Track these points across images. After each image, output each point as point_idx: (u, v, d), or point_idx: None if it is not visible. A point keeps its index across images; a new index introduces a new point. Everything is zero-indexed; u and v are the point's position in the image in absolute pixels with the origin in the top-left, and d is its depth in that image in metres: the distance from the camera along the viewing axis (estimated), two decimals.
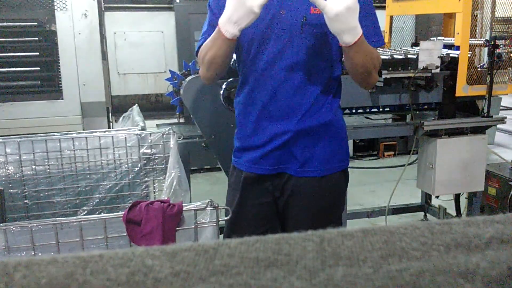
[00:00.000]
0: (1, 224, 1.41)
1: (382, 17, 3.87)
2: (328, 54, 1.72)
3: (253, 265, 0.38)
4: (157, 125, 3.07)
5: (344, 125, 1.91)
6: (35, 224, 1.37)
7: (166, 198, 1.62)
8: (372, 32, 1.75)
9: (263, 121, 1.74)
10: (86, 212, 2.24)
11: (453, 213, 3.56)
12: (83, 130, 3.94)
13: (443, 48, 3.11)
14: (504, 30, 3.13)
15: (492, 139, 6.15)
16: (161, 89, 5.05)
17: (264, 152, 1.75)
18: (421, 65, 2.89)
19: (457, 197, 3.48)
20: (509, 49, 3.07)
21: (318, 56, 1.69)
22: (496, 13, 3.07)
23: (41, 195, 2.23)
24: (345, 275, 0.37)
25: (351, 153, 5.71)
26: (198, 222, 1.46)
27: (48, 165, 2.23)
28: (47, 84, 4.43)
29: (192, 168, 4.28)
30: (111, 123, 4.86)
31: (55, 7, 4.27)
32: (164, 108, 5.14)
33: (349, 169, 2.96)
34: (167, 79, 3.04)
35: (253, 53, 1.69)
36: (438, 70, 2.91)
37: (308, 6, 1.62)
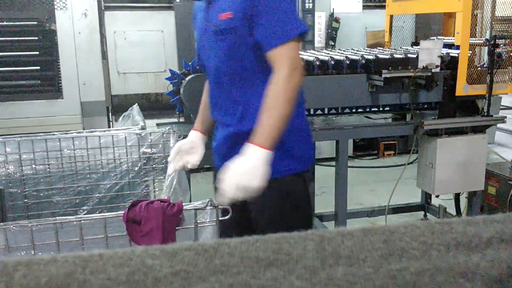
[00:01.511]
0: (1, 224, 1.41)
1: (382, 16, 3.87)
2: (247, 58, 1.71)
3: (253, 264, 0.38)
4: (157, 125, 3.07)
5: (296, 128, 1.78)
6: (35, 224, 1.37)
7: (166, 198, 1.62)
8: (272, 31, 1.63)
9: (216, 122, 1.93)
10: (86, 211, 2.24)
11: (453, 212, 3.56)
12: (83, 129, 3.94)
13: (443, 47, 3.11)
14: (504, 29, 3.13)
15: (492, 139, 6.15)
16: (161, 88, 5.05)
17: (215, 150, 1.93)
18: (421, 65, 2.89)
19: (457, 197, 3.48)
20: (509, 49, 3.07)
21: (238, 61, 1.72)
22: (496, 12, 3.07)
23: (41, 194, 2.23)
24: (345, 274, 0.37)
25: (350, 152, 5.72)
26: (198, 221, 1.46)
27: (48, 165, 2.23)
28: (47, 84, 4.43)
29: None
30: (111, 123, 4.86)
31: (55, 6, 4.26)
32: (164, 107, 5.14)
33: (348, 168, 2.95)
34: (167, 79, 3.04)
35: (203, 62, 1.90)
36: (438, 70, 2.91)
37: (217, 14, 1.70)
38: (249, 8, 1.62)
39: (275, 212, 1.78)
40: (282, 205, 1.79)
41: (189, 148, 1.96)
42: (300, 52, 3.21)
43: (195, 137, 1.99)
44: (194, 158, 1.94)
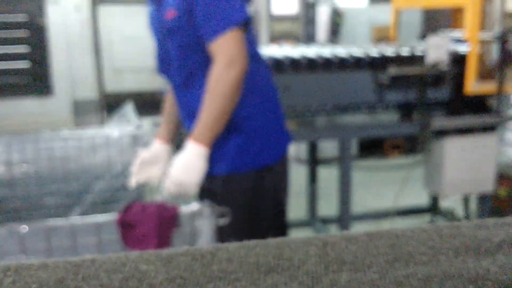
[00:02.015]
0: None
1: (388, 11, 3.88)
2: (196, 55, 1.71)
3: (253, 270, 0.38)
4: (154, 123, 3.06)
5: (252, 123, 1.75)
6: (25, 227, 1.37)
7: (161, 200, 1.62)
8: (208, 23, 1.61)
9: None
10: (78, 214, 2.24)
11: (462, 215, 3.56)
12: (76, 128, 3.94)
13: (452, 42, 3.11)
14: None
15: (502, 138, 6.15)
16: (157, 85, 5.05)
17: None
18: (429, 61, 2.89)
19: (466, 199, 3.48)
20: None
21: (187, 58, 1.73)
22: (506, 6, 3.07)
23: (32, 196, 2.23)
24: (350, 280, 0.37)
25: (355, 152, 5.72)
26: (195, 225, 1.46)
27: (39, 165, 2.23)
28: (38, 81, 4.43)
29: None
30: (104, 122, 4.86)
31: (46, 0, 4.27)
32: (160, 105, 5.14)
33: (353, 169, 2.94)
34: None
35: (163, 68, 1.89)
36: (446, 67, 2.91)
37: (163, 13, 1.71)
38: (189, 2, 1.62)
39: (237, 212, 1.67)
40: (244, 204, 1.73)
41: (152, 160, 1.89)
42: (300, 48, 3.20)
43: (158, 147, 1.92)
44: (156, 172, 1.87)
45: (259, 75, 1.77)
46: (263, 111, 1.79)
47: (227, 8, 1.60)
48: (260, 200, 1.78)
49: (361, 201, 4.36)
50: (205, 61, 1.69)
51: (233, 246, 0.41)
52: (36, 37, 4.33)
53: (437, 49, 2.89)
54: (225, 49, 1.58)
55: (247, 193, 1.76)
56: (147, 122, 3.06)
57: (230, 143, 1.74)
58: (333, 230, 3.57)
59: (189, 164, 1.58)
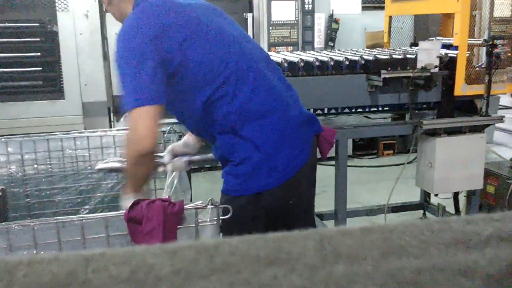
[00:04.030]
0: (3, 223, 1.41)
1: (381, 17, 3.87)
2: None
3: (254, 263, 0.38)
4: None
5: (226, 153, 1.72)
6: (37, 223, 1.37)
7: (167, 197, 1.62)
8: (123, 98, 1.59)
9: None
10: (87, 210, 2.24)
11: (452, 211, 3.56)
12: (85, 129, 3.93)
13: (442, 48, 3.11)
14: (502, 30, 3.13)
15: (490, 138, 6.15)
16: None
17: None
18: (419, 65, 2.89)
19: (456, 195, 3.48)
20: (507, 49, 3.07)
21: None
22: (494, 13, 3.07)
23: (43, 194, 2.23)
24: (345, 272, 0.37)
25: (350, 152, 5.71)
26: (199, 220, 1.46)
27: (50, 164, 2.23)
28: (49, 84, 4.43)
29: (192, 166, 4.28)
30: (112, 123, 4.85)
31: (57, 8, 4.26)
32: None
33: (348, 168, 2.94)
34: None
35: None
36: (436, 70, 2.91)
37: None
38: None
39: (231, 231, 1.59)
40: (229, 226, 1.55)
41: (182, 149, 1.97)
42: (298, 53, 3.18)
43: (188, 139, 1.99)
44: (181, 162, 1.95)
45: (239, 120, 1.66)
46: (226, 148, 1.71)
47: (126, 92, 1.56)
48: (249, 224, 1.68)
49: (356, 198, 4.35)
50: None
51: (235, 240, 0.42)
52: (48, 43, 4.33)
53: (427, 54, 2.88)
54: (130, 127, 1.56)
55: (237, 214, 1.60)
56: None
57: (226, 166, 1.74)
58: (330, 225, 3.57)
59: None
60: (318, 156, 1.95)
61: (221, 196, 1.76)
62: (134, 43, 1.55)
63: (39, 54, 4.30)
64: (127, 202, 1.56)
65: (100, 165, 1.80)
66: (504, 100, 6.57)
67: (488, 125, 3.15)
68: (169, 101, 1.61)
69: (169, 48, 1.57)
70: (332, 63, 2.90)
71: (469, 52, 3.00)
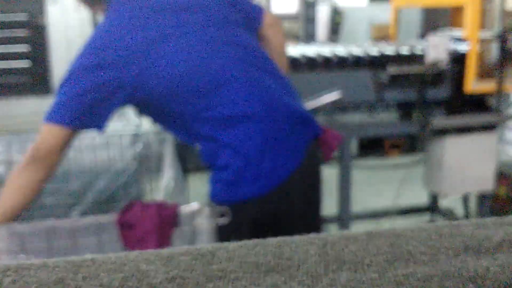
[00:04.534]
0: None
1: (387, 9, 3.87)
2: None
3: (253, 269, 0.38)
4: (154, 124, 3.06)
5: (208, 159, 1.68)
6: (25, 227, 1.37)
7: (161, 199, 1.62)
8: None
9: None
10: (78, 214, 2.24)
11: (461, 214, 3.56)
12: None
13: (452, 40, 3.11)
14: None
15: (502, 137, 6.15)
16: None
17: None
18: (428, 61, 2.89)
19: (465, 198, 3.48)
20: None
21: None
22: (506, 5, 3.07)
23: None
24: (349, 280, 0.37)
25: (355, 151, 5.72)
26: (195, 224, 1.46)
27: None
28: (38, 80, 4.43)
29: (188, 168, 4.28)
30: None
31: None
32: None
33: (352, 168, 2.94)
34: None
35: None
36: (446, 66, 2.91)
37: None
38: None
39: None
40: (219, 231, 1.57)
41: None
42: (299, 46, 3.19)
43: None
44: None
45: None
46: (236, 151, 1.64)
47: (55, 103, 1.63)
48: (232, 234, 1.64)
49: (361, 200, 4.35)
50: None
51: (233, 245, 0.41)
52: (36, 37, 4.32)
53: (436, 48, 2.89)
54: (37, 139, 1.59)
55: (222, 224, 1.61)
56: (146, 122, 3.05)
57: (211, 172, 1.70)
58: (333, 229, 3.57)
59: None
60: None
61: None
62: None
63: (27, 47, 4.30)
64: None
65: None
66: None
67: (499, 124, 3.15)
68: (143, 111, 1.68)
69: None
70: (335, 59, 2.90)
71: (479, 47, 3.00)
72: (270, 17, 1.93)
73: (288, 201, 1.72)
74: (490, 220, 0.48)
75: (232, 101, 1.64)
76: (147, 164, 2.28)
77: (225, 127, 1.63)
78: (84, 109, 1.58)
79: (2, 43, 4.23)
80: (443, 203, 3.83)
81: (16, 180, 1.60)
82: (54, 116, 1.59)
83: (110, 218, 1.44)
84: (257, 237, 1.48)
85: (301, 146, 1.73)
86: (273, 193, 1.65)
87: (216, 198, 1.68)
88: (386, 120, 3.21)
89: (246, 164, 1.62)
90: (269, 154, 1.63)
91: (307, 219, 1.88)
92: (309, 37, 5.53)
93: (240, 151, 1.63)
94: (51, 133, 1.58)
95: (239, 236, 1.60)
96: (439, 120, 3.01)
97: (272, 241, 0.42)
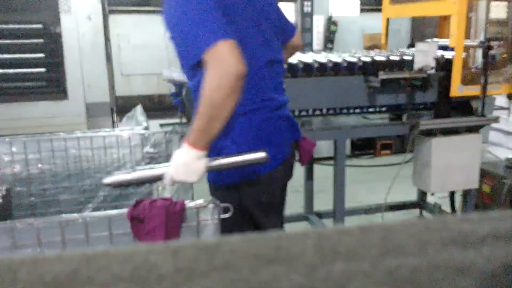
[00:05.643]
0: (8, 222, 1.41)
1: (379, 19, 3.87)
2: (184, 63, 1.72)
3: (254, 261, 0.38)
4: (161, 125, 3.07)
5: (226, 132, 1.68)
6: (41, 222, 1.37)
7: (169, 196, 1.62)
8: (183, 51, 1.64)
9: None
10: (91, 209, 2.24)
11: (448, 210, 3.56)
12: (88, 130, 3.93)
13: (439, 49, 3.11)
14: (498, 31, 3.13)
15: (486, 138, 6.15)
16: (164, 89, 5.05)
17: None
18: (416, 66, 2.89)
19: (452, 195, 3.48)
20: (503, 50, 3.07)
21: (181, 64, 1.76)
22: (490, 15, 3.07)
23: (47, 193, 2.23)
24: (344, 270, 0.37)
25: (348, 151, 5.71)
26: (200, 219, 1.46)
27: (54, 164, 2.23)
28: (53, 85, 4.43)
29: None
30: (115, 123, 4.85)
31: (60, 10, 4.26)
32: (167, 108, 5.13)
33: (346, 167, 2.94)
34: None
35: None
36: (433, 71, 2.91)
37: None
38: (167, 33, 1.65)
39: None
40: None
41: None
42: (297, 55, 3.19)
43: None
44: None
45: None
46: (233, 139, 1.73)
47: (193, 41, 1.54)
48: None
49: (354, 197, 4.35)
50: (189, 75, 1.74)
51: (235, 238, 0.41)
52: (51, 45, 4.33)
53: (424, 55, 2.89)
54: (215, 59, 1.48)
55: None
56: (154, 124, 3.05)
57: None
58: (329, 223, 3.57)
59: (189, 165, 1.54)
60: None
61: (217, 187, 1.82)
62: None
63: (42, 55, 4.30)
64: (200, 163, 1.53)
65: (108, 180, 1.69)
66: (499, 101, 6.57)
67: (483, 126, 3.15)
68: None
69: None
70: (330, 64, 2.90)
71: (465, 54, 3.00)
72: (298, 38, 2.05)
73: (271, 188, 1.83)
74: (475, 215, 0.47)
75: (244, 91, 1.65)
76: (155, 163, 2.28)
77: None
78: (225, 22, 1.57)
79: (20, 51, 4.23)
80: (431, 199, 3.83)
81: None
82: (219, 33, 1.51)
83: (120, 213, 1.44)
84: (243, 217, 1.47)
85: (288, 144, 1.88)
86: (261, 179, 1.77)
87: (211, 179, 1.79)
88: (377, 122, 3.21)
89: (239, 151, 1.67)
90: (262, 146, 1.68)
91: (279, 207, 1.96)
92: (305, 45, 5.53)
93: (237, 140, 1.73)
94: (231, 46, 1.49)
95: (233, 217, 1.59)
96: (427, 122, 3.01)
97: (272, 234, 0.42)
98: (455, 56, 2.91)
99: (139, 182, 1.72)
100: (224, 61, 1.46)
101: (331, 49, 5.56)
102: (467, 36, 3.01)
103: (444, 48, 3.22)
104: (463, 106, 3.18)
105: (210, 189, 1.84)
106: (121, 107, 5.09)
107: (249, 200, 1.79)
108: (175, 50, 1.67)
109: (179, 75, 2.54)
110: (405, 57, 2.99)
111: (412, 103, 3.07)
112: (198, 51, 1.50)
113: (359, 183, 4.92)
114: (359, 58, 2.94)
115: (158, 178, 1.62)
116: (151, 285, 0.35)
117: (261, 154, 1.61)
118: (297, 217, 3.70)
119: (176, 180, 1.57)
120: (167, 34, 1.64)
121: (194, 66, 1.59)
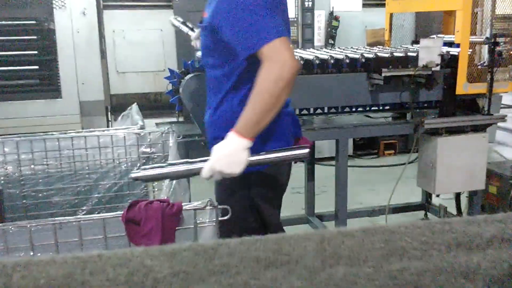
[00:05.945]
0: (0, 224, 1.41)
1: (382, 14, 3.87)
2: (220, 52, 1.78)
3: (253, 264, 0.38)
4: (157, 124, 3.07)
5: (220, 123, 1.84)
6: (34, 224, 1.37)
7: (165, 198, 1.62)
8: (242, 38, 1.67)
9: None
10: (85, 211, 2.24)
11: (454, 212, 3.56)
12: (82, 129, 3.93)
13: (444, 45, 3.11)
14: (505, 27, 3.13)
15: (493, 137, 6.15)
16: (160, 87, 5.05)
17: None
18: (421, 63, 2.89)
19: (457, 196, 3.48)
20: (510, 47, 3.07)
21: (211, 53, 1.83)
22: (496, 10, 3.07)
23: (40, 195, 2.23)
24: (346, 274, 0.37)
25: (351, 151, 5.71)
26: (198, 221, 1.46)
27: (47, 165, 2.23)
28: (46, 83, 4.43)
29: None
30: (110, 122, 4.85)
31: (54, 5, 4.26)
32: (164, 106, 5.13)
33: (348, 168, 2.93)
34: (166, 78, 3.04)
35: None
36: (438, 68, 2.91)
37: (205, 10, 1.81)
38: (213, 18, 1.71)
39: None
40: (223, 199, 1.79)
41: None
42: (297, 51, 3.20)
43: None
44: None
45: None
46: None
47: (253, 31, 1.64)
48: (233, 199, 1.83)
49: (356, 199, 4.35)
50: (217, 64, 1.80)
51: (234, 241, 0.42)
52: (44, 42, 4.32)
53: (429, 52, 2.88)
54: (276, 52, 1.60)
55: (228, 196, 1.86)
56: (150, 123, 3.05)
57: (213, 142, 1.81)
58: (330, 226, 3.57)
59: (233, 156, 1.60)
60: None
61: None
62: None
63: (35, 52, 4.30)
64: (244, 154, 1.59)
65: (136, 174, 1.67)
66: (506, 99, 6.56)
67: (490, 125, 3.15)
68: (214, 48, 1.77)
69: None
70: (332, 61, 2.89)
71: (471, 50, 2.99)
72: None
73: (278, 181, 1.94)
74: (481, 217, 0.48)
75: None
76: (151, 163, 2.28)
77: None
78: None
79: (12, 48, 4.23)
80: (436, 201, 3.83)
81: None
82: (280, 31, 1.64)
83: (115, 215, 1.44)
84: (250, 209, 1.79)
85: (292, 140, 1.96)
86: (269, 171, 1.88)
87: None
88: (380, 121, 3.21)
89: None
90: (272, 140, 1.81)
91: (280, 200, 2.05)
92: (306, 41, 5.53)
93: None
94: (285, 42, 1.64)
95: (241, 200, 1.79)
96: (432, 121, 3.01)
97: (271, 237, 0.42)
98: (461, 52, 2.91)
99: (172, 177, 1.74)
100: (283, 56, 1.60)
101: (332, 45, 5.55)
102: (473, 32, 3.01)
103: (449, 44, 3.22)
104: (469, 105, 3.18)
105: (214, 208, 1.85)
106: (116, 105, 5.09)
107: (257, 191, 1.87)
108: (221, 35, 1.71)
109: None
110: (409, 54, 2.99)
111: (416, 101, 3.07)
112: (260, 41, 1.61)
113: (362, 184, 4.92)
114: (361, 55, 2.94)
115: (195, 172, 1.65)
116: None
117: (304, 150, 1.66)
118: (297, 220, 3.69)
119: (217, 171, 1.60)
120: (216, 18, 1.70)
121: (247, 56, 1.67)
